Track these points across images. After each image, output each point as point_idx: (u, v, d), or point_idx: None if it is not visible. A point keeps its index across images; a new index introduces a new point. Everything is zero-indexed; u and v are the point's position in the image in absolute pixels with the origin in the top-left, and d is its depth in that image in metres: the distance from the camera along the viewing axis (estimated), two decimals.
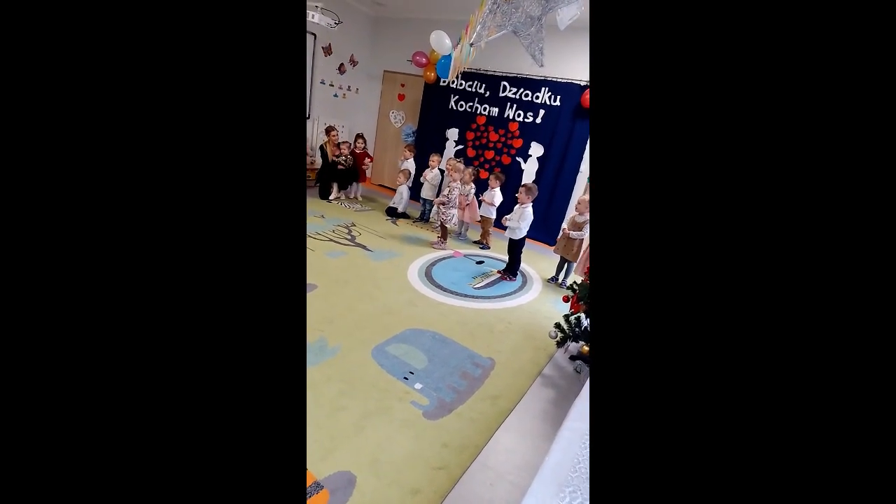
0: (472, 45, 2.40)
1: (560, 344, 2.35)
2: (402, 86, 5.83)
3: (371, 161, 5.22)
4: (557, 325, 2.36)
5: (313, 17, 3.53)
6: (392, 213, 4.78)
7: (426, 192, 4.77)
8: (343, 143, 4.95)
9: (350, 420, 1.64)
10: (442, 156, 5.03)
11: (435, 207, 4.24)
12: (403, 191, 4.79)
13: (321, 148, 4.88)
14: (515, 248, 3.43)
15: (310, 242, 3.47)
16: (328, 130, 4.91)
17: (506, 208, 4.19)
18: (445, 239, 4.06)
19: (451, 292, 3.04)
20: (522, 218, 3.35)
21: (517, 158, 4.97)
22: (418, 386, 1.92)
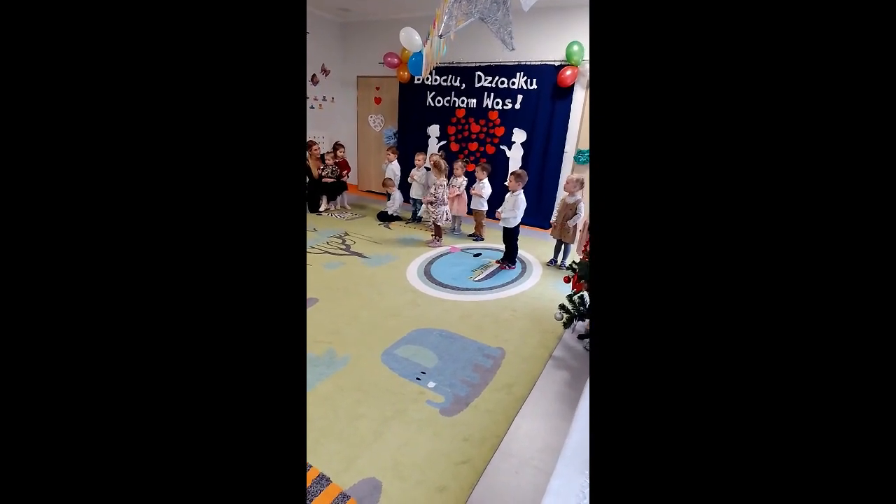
0: (441, 37, 2.38)
1: (567, 325, 2.35)
2: (377, 89, 5.80)
3: (348, 172, 5.17)
4: (562, 307, 2.36)
5: None
6: (384, 217, 4.76)
7: (415, 192, 4.76)
8: (326, 153, 4.92)
9: (369, 427, 1.63)
10: (426, 153, 5.01)
11: (424, 207, 4.22)
12: (396, 195, 4.78)
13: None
14: (510, 236, 3.43)
15: (306, 257, 3.45)
16: (309, 145, 4.87)
17: (496, 197, 4.18)
18: (440, 236, 4.05)
19: (453, 288, 3.03)
20: (516, 206, 3.34)
21: (501, 147, 4.96)
22: (431, 384, 1.92)
